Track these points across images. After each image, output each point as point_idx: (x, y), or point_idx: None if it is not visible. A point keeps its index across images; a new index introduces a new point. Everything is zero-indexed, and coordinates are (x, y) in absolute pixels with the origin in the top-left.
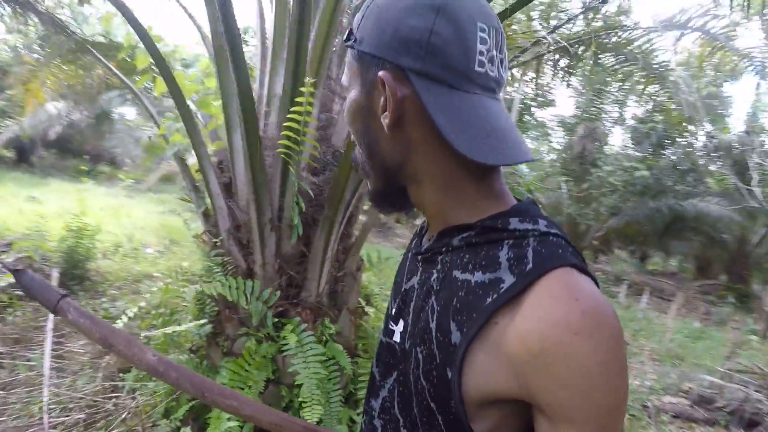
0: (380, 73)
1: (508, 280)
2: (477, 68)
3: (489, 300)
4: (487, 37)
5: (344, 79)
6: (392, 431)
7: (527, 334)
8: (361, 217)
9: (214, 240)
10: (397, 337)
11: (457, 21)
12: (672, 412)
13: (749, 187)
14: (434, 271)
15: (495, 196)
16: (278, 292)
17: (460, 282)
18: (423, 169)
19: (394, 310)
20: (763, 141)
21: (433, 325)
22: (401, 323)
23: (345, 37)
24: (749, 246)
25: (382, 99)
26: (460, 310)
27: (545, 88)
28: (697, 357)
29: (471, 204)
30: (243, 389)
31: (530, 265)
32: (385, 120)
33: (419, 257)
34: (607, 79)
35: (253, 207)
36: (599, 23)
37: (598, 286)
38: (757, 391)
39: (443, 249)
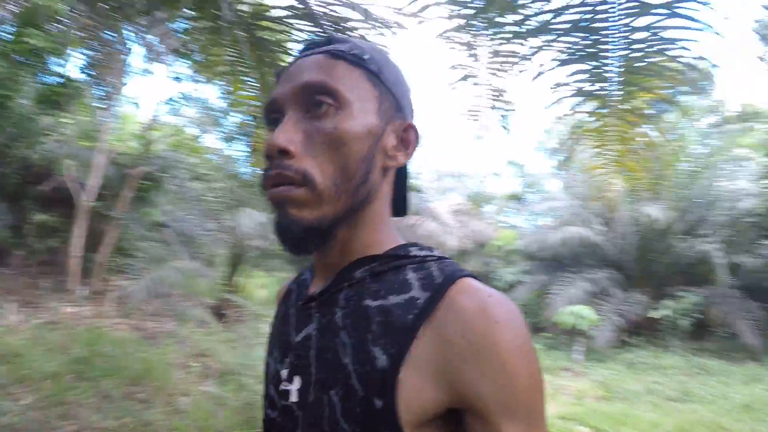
0: (413, 123)
1: (423, 295)
2: None
3: (410, 317)
4: None
5: (344, 89)
6: None
7: (453, 336)
8: None
9: None
10: (293, 397)
11: None
12: None
13: None
14: (336, 309)
15: (395, 235)
16: None
17: (374, 309)
18: (376, 204)
19: (286, 370)
20: None
21: (347, 360)
22: (297, 380)
23: (339, 48)
24: None
25: (394, 138)
26: (382, 334)
27: None
28: None
29: (384, 240)
30: None
31: (439, 280)
32: (400, 158)
33: (312, 304)
34: None
35: None
36: None
37: None
38: None
39: (345, 285)
